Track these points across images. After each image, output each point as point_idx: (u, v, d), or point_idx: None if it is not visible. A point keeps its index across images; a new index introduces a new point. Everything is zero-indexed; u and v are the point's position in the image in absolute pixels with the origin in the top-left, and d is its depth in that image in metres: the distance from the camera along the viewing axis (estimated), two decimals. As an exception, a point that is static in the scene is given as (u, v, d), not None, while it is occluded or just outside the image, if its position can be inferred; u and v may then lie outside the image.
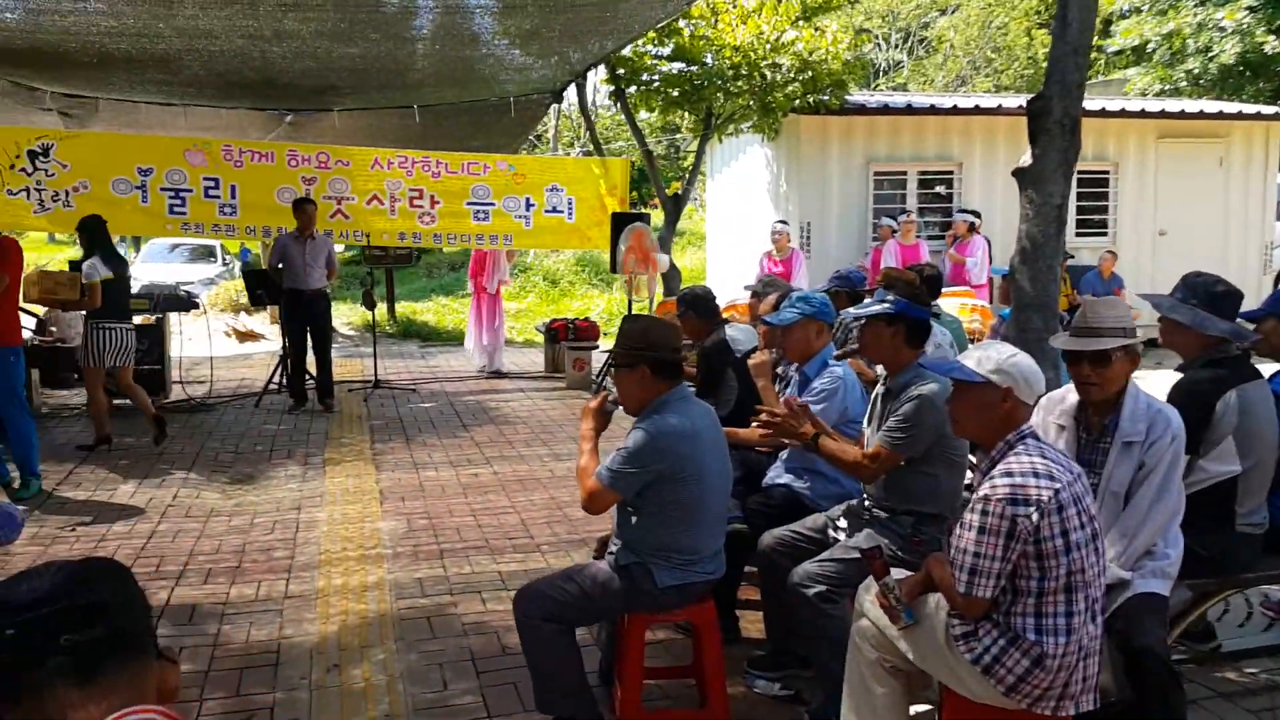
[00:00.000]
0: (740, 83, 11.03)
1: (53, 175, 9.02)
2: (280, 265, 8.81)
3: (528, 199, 10.37)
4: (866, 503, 3.47)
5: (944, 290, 7.52)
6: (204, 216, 9.55)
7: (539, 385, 10.48)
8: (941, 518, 3.25)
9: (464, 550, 5.20)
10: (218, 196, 9.56)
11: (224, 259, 20.20)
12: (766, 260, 10.45)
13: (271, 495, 6.20)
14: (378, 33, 7.36)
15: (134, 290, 8.75)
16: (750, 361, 4.29)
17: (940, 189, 12.59)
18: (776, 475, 4.07)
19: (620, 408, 3.31)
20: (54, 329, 8.90)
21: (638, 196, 22.39)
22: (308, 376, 9.07)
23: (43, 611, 1.32)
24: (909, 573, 2.85)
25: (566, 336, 10.46)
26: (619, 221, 10.01)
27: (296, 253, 8.71)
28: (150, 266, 20.10)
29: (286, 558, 5.05)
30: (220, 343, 13.58)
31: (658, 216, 14.51)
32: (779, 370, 4.37)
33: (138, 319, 8.69)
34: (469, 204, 10.21)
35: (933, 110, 12.22)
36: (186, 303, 8.88)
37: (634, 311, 10.69)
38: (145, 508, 5.83)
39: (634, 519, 3.16)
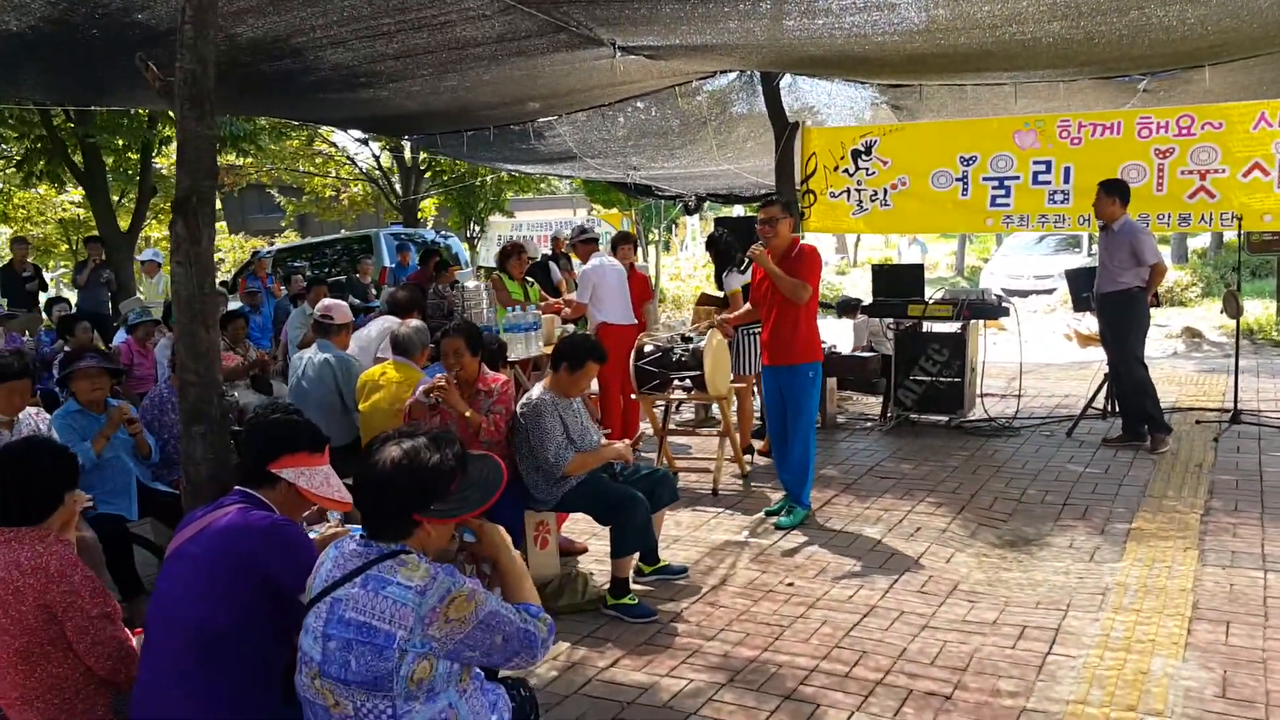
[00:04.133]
0: None
1: (873, 174, 8.69)
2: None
3: None
4: None
5: None
6: (1030, 206, 8.23)
7: None
8: None
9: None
10: (1048, 182, 8.14)
11: (1090, 249, 18.48)
12: None
13: (1038, 577, 4.64)
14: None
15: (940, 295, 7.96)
16: None
17: None
18: None
19: None
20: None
21: None
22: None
23: None
24: None
25: None
26: None
27: (1100, 246, 6.91)
28: (1008, 260, 19.55)
29: (1015, 696, 3.50)
30: (1059, 347, 12.13)
31: None
32: None
33: (940, 326, 7.90)
34: None
35: None
36: (995, 309, 7.68)
37: None
38: (880, 568, 4.83)
39: None
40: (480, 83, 7.69)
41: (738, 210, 22.54)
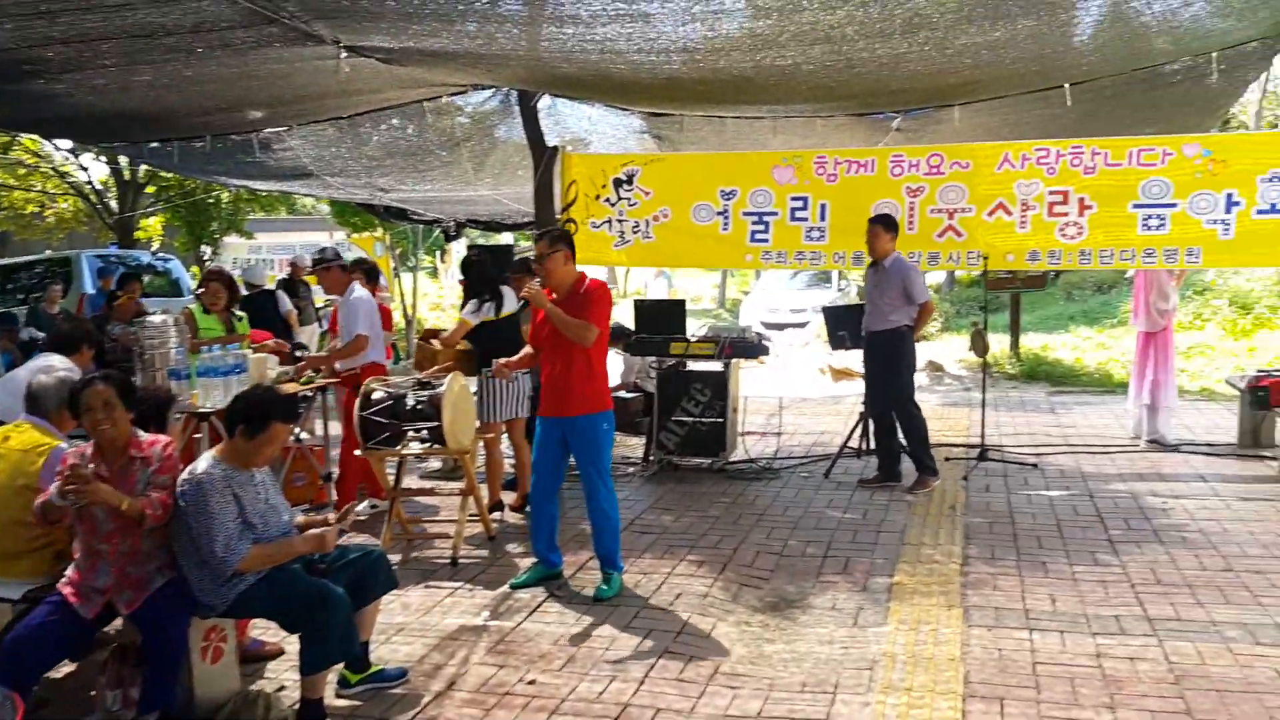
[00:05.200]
0: None
1: (634, 204, 8.25)
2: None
3: (1229, 195, 6.99)
4: None
5: None
6: (788, 243, 8.05)
7: (1229, 472, 7.05)
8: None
9: None
10: (805, 219, 7.98)
11: (840, 284, 19.23)
12: None
13: (802, 649, 4.21)
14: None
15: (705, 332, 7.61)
16: None
17: None
18: None
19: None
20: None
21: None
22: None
23: None
24: None
25: (1287, 402, 6.83)
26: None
27: (869, 283, 6.84)
28: (766, 294, 20.03)
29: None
30: (815, 381, 12.25)
31: None
32: None
33: (702, 365, 7.54)
34: (1136, 206, 7.19)
35: None
36: (757, 348, 7.40)
37: None
38: (635, 651, 4.22)
39: None
40: (183, 80, 6.60)
41: (507, 238, 21.84)
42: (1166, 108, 7.95)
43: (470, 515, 5.75)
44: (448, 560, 5.39)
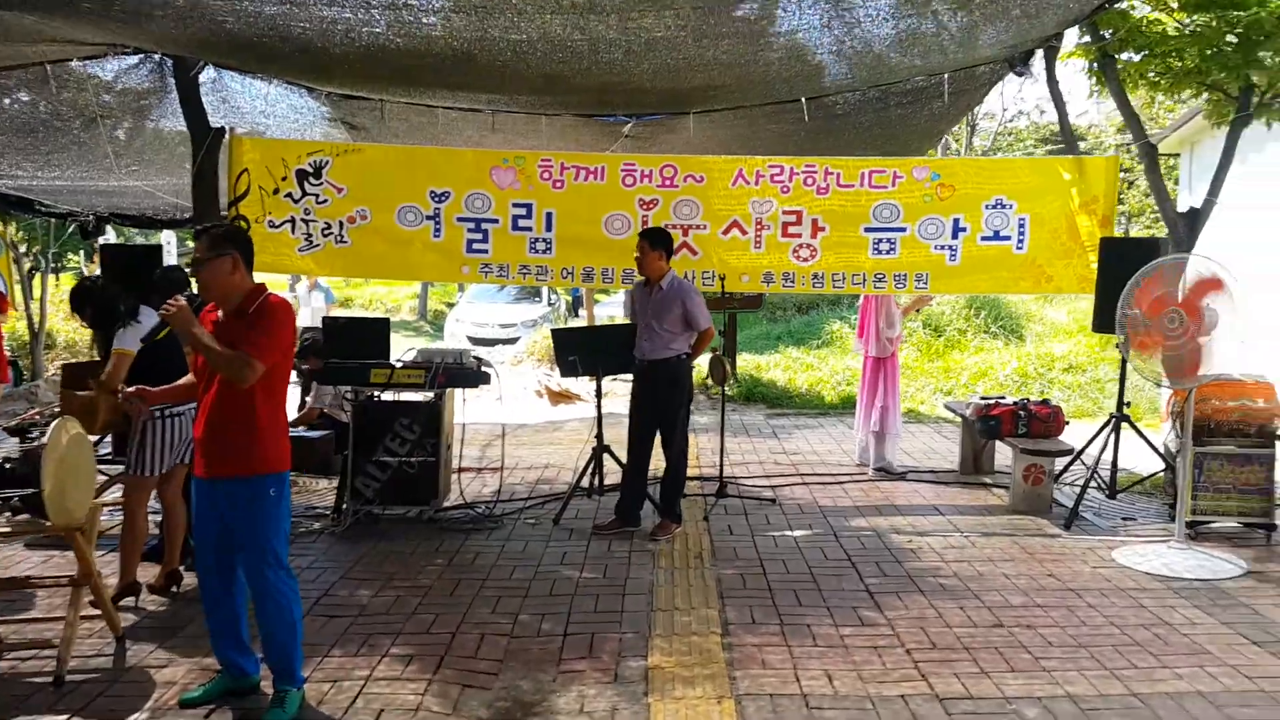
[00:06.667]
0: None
1: (324, 202, 6.96)
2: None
3: (956, 220, 6.96)
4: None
5: None
6: (510, 255, 7.15)
7: (960, 502, 6.95)
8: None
9: None
10: (529, 229, 7.12)
11: (550, 298, 18.53)
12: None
13: (551, 783, 3.23)
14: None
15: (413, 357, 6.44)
16: None
17: None
18: None
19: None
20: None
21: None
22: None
23: None
24: None
25: (1014, 430, 6.79)
26: (1116, 252, 6.31)
27: (640, 307, 6.04)
28: (473, 307, 18.91)
29: None
30: (530, 405, 11.36)
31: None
32: None
33: (412, 395, 6.37)
34: (867, 230, 7.01)
35: None
36: (475, 377, 6.32)
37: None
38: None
39: None
40: None
41: (168, 237, 18.99)
42: (900, 124, 7.85)
43: (88, 609, 4.25)
44: (50, 679, 3.85)
